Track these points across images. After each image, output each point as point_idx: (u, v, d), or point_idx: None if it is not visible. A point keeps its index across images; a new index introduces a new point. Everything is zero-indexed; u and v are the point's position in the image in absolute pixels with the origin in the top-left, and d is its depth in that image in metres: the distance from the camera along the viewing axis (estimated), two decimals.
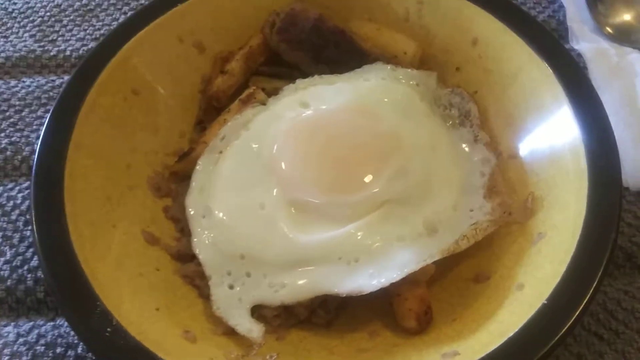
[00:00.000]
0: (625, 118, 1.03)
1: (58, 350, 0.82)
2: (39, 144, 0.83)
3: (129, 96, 0.92)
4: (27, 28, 1.19)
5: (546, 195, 0.84)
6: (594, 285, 0.71)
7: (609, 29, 1.17)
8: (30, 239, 0.92)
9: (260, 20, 1.03)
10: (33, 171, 0.81)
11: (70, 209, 0.79)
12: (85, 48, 1.16)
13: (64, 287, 0.73)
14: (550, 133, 0.88)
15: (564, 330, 0.68)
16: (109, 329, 0.71)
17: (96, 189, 0.84)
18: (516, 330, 0.70)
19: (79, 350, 0.82)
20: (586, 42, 1.15)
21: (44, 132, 0.84)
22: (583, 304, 0.70)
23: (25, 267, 0.89)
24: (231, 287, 0.81)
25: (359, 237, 0.81)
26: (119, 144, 0.90)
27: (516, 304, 0.75)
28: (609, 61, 1.13)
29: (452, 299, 0.83)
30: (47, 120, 0.85)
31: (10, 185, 0.98)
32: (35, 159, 0.82)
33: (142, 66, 0.95)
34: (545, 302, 0.71)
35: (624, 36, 1.16)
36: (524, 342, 0.69)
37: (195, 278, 0.84)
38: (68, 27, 1.20)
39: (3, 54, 1.15)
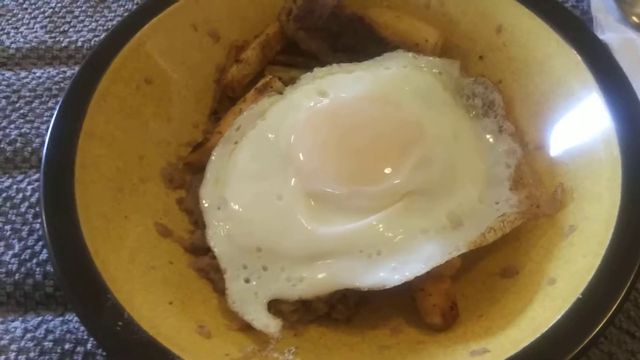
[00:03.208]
0: None
1: (67, 346, 0.79)
2: (49, 132, 0.81)
3: (141, 85, 0.90)
4: (38, 19, 1.17)
5: (576, 187, 0.81)
6: (632, 278, 0.68)
7: (635, 19, 1.13)
8: (40, 232, 0.89)
9: (277, 8, 1.00)
10: (43, 160, 0.79)
11: (81, 200, 0.77)
12: (96, 39, 1.13)
13: (74, 280, 0.71)
14: (580, 122, 0.84)
15: (601, 324, 0.65)
16: (120, 323, 0.68)
17: (108, 180, 0.82)
18: (550, 325, 0.67)
19: (89, 346, 0.79)
20: (612, 32, 1.12)
21: (54, 120, 0.81)
22: (621, 297, 0.67)
23: (34, 261, 0.86)
24: (247, 281, 0.78)
25: (380, 229, 0.78)
26: (132, 134, 0.87)
27: (548, 299, 0.71)
28: (635, 51, 1.09)
29: (478, 294, 0.80)
30: (58, 108, 0.83)
31: (19, 177, 0.95)
32: (45, 147, 0.79)
33: (156, 54, 0.92)
34: (580, 296, 0.68)
35: None
36: (560, 338, 0.65)
37: (210, 271, 0.81)
38: (79, 18, 1.17)
39: (14, 45, 1.12)
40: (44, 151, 0.79)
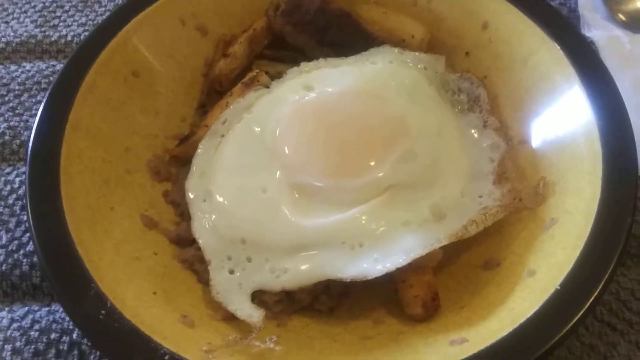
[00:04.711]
0: (638, 106, 1.00)
1: (52, 336, 0.80)
2: (36, 123, 0.81)
3: (129, 78, 0.90)
4: (29, 13, 1.17)
5: (558, 180, 0.81)
6: (610, 270, 0.68)
7: (621, 16, 1.14)
8: (27, 224, 0.89)
9: (264, 3, 1.00)
10: (29, 150, 0.79)
11: (67, 191, 0.77)
12: (86, 33, 1.14)
13: (57, 268, 0.71)
14: (563, 116, 0.85)
15: (578, 315, 0.66)
16: (102, 312, 0.68)
17: (94, 171, 0.82)
18: (528, 316, 0.67)
19: (74, 336, 0.80)
20: (598, 29, 1.13)
21: (41, 112, 0.82)
22: (598, 289, 0.67)
23: (21, 252, 0.87)
24: (231, 272, 0.79)
25: (363, 222, 0.79)
26: (118, 126, 0.88)
27: (528, 291, 0.72)
28: (621, 49, 1.10)
29: (460, 287, 0.81)
30: (45, 99, 0.83)
31: (7, 170, 0.96)
32: (31, 138, 0.80)
33: (143, 48, 0.93)
34: (559, 287, 0.68)
35: (637, 23, 1.12)
36: (537, 329, 0.66)
37: (195, 263, 0.82)
38: (70, 13, 1.18)
39: (4, 39, 1.13)
40: (30, 142, 0.80)
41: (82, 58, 0.88)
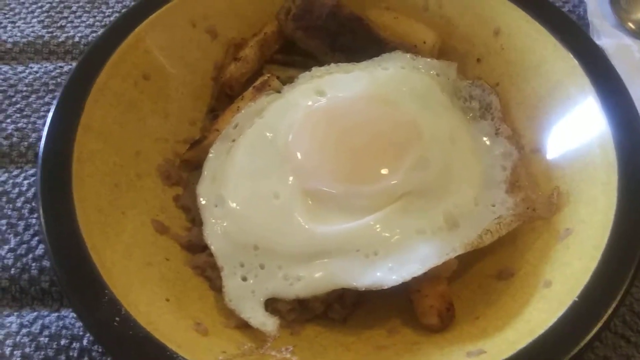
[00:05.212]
0: None
1: (62, 342, 0.79)
2: (47, 125, 0.80)
3: (139, 81, 0.90)
4: (36, 14, 1.16)
5: (572, 190, 0.81)
6: (628, 281, 0.68)
7: (631, 25, 1.14)
8: (36, 227, 0.89)
9: (275, 7, 1.00)
10: (40, 152, 0.78)
11: (78, 194, 0.76)
12: (94, 35, 1.13)
13: (71, 274, 0.70)
14: (576, 125, 0.85)
15: (598, 327, 0.65)
16: (117, 318, 0.67)
17: (105, 174, 0.81)
18: (546, 328, 0.67)
19: (84, 342, 0.79)
20: (608, 37, 1.13)
21: (52, 114, 0.81)
22: (617, 300, 0.67)
23: (30, 256, 0.86)
24: (244, 278, 0.78)
25: (377, 230, 0.78)
26: (129, 129, 0.87)
27: (544, 302, 0.72)
28: (631, 57, 1.10)
29: (474, 296, 0.80)
30: (56, 101, 0.82)
31: (15, 172, 0.95)
32: (43, 141, 0.79)
33: (154, 50, 0.92)
34: (577, 299, 0.68)
35: None
36: (555, 340, 0.66)
37: (207, 269, 0.81)
38: (77, 14, 1.17)
39: (10, 40, 1.12)
40: (42, 144, 0.79)
41: (93, 59, 0.87)
